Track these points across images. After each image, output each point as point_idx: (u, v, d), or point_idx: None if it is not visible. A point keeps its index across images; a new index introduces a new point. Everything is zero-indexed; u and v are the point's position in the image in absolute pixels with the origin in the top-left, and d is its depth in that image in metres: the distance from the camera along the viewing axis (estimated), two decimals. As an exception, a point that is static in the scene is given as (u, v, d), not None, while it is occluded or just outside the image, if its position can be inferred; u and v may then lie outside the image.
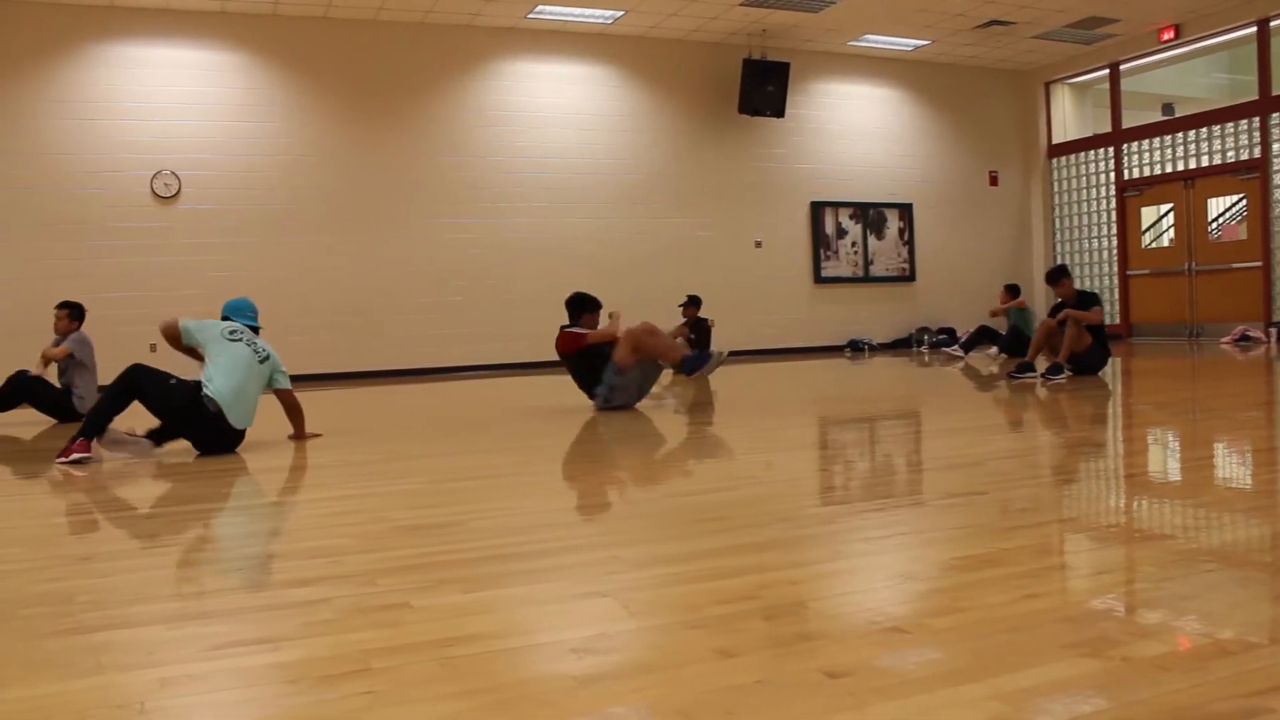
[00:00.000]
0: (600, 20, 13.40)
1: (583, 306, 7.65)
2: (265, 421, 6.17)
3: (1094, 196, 16.25)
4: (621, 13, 13.12)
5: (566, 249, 13.62)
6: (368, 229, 12.96)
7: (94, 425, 5.40)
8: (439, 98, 13.30)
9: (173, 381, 5.52)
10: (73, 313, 8.37)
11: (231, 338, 5.77)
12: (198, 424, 5.50)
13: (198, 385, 5.52)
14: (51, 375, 8.30)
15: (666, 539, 3.06)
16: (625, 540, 3.08)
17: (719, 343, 12.30)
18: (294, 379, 12.41)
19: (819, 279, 15.36)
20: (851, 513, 3.37)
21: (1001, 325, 13.59)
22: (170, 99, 12.24)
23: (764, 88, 14.26)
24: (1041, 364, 9.34)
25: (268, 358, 5.90)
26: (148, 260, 12.03)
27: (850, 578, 2.61)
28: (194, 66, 12.38)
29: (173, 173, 12.22)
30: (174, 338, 5.76)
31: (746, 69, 14.18)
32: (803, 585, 2.51)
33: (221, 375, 5.56)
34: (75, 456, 5.28)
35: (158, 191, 12.16)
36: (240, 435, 5.66)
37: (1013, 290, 13.52)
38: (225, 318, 6.04)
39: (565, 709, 1.74)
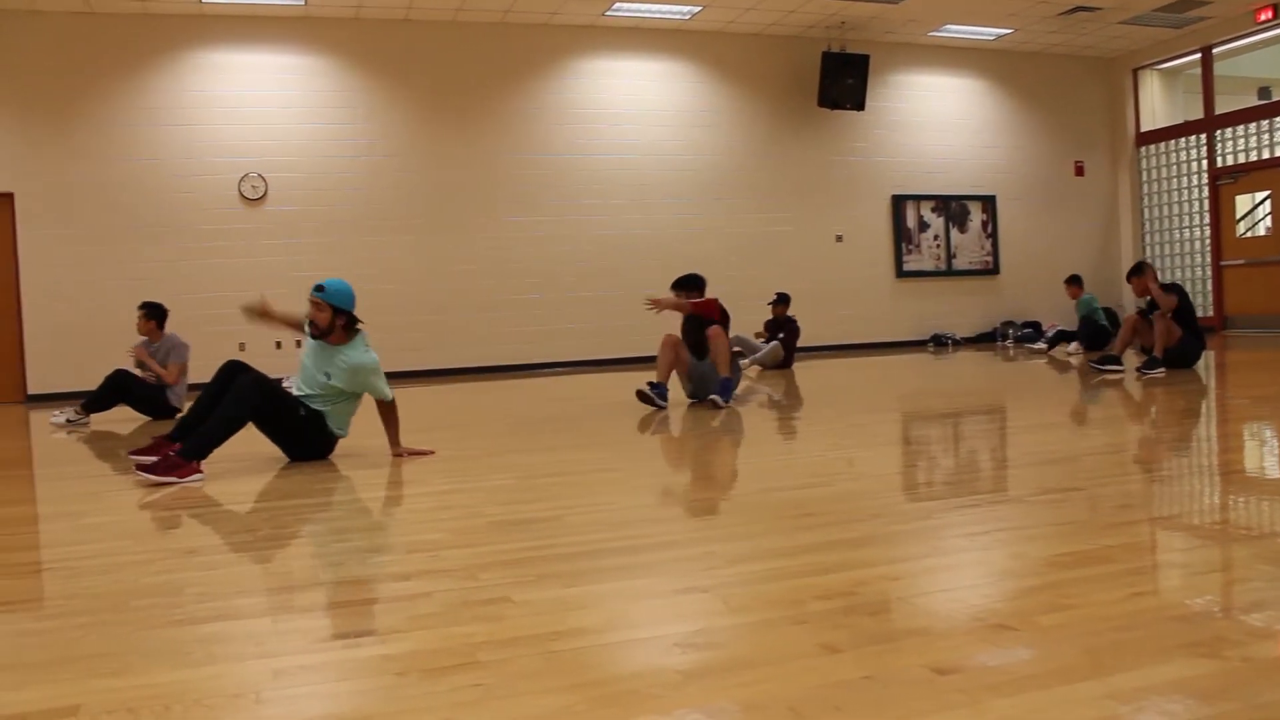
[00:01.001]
0: (678, 16, 13.39)
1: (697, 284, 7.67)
2: (363, 414, 6.26)
3: (1185, 185, 15.82)
4: (699, 8, 13.09)
5: (645, 246, 13.64)
6: (448, 227, 13.11)
7: (201, 448, 4.88)
8: (518, 96, 13.40)
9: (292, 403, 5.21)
10: (150, 313, 8.56)
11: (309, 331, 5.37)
12: (301, 432, 5.23)
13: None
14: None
15: (762, 534, 3.05)
16: (720, 536, 3.07)
17: (801, 337, 12.21)
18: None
19: (900, 273, 15.18)
20: (947, 508, 3.33)
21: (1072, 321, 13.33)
22: (257, 103, 12.50)
23: (843, 80, 14.13)
24: (1132, 359, 9.14)
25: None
26: (236, 261, 12.30)
27: (951, 574, 2.58)
28: (279, 70, 12.63)
29: (260, 175, 12.48)
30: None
31: (826, 62, 14.06)
32: (903, 581, 2.49)
33: (342, 411, 5.35)
34: (195, 478, 4.74)
35: (245, 194, 12.42)
36: (330, 443, 5.38)
37: (1075, 281, 13.22)
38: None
39: (672, 703, 1.75)
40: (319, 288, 5.27)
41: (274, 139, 12.54)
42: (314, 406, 5.24)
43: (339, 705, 1.82)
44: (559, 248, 13.49)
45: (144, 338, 8.59)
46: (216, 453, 4.89)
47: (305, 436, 5.22)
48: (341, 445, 5.56)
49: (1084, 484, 3.64)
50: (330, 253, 12.67)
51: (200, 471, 4.80)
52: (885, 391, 8.43)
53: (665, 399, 7.33)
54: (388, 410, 5.38)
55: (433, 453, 5.28)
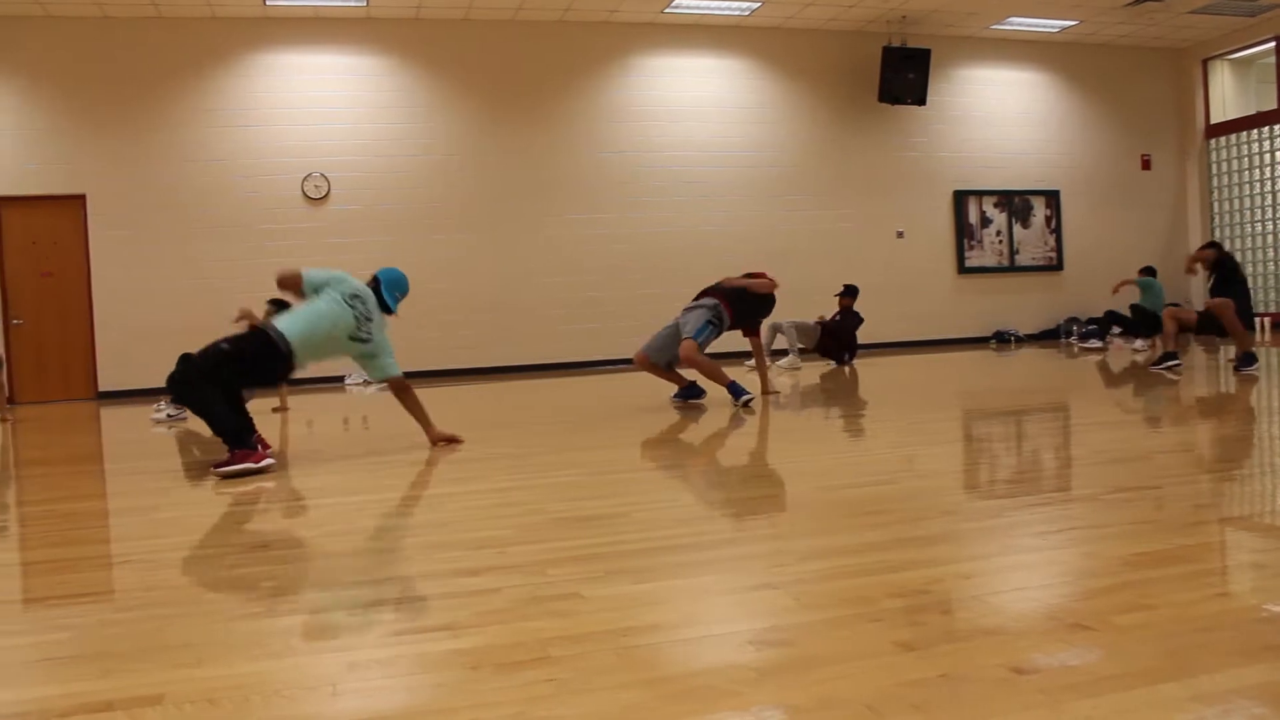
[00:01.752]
0: (737, 12, 13.34)
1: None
2: (428, 410, 6.30)
3: (1257, 178, 15.45)
4: (758, 4, 13.04)
5: (704, 243, 13.61)
6: (508, 225, 13.17)
7: (241, 436, 4.95)
8: (577, 94, 13.44)
9: (225, 346, 5.14)
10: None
11: (350, 303, 5.38)
12: (267, 363, 5.19)
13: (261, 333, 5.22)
14: None
15: (830, 532, 3.03)
16: (789, 533, 3.06)
17: (860, 332, 12.13)
18: (436, 374, 12.75)
19: (962, 269, 15.01)
20: (1017, 507, 3.29)
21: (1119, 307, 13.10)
22: (319, 104, 12.65)
23: (904, 75, 13.99)
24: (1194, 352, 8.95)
25: (368, 340, 5.45)
26: (299, 260, 12.38)
27: (1025, 573, 2.54)
28: (341, 71, 12.77)
29: (322, 175, 12.63)
30: (294, 286, 5.49)
31: (886, 57, 13.94)
32: (977, 580, 2.46)
33: (304, 324, 5.26)
34: (266, 462, 4.89)
35: (308, 193, 12.58)
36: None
37: (1149, 272, 12.90)
38: (375, 280, 5.69)
39: (749, 700, 1.74)
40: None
41: (336, 139, 12.69)
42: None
43: (414, 698, 1.83)
44: (619, 246, 13.50)
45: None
46: (292, 453, 4.96)
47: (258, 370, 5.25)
48: (400, 442, 5.62)
49: (1156, 482, 3.57)
50: (391, 251, 12.78)
51: (269, 457, 4.92)
52: (948, 388, 8.34)
53: (697, 393, 7.46)
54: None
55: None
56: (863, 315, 12.16)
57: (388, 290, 5.64)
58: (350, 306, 5.38)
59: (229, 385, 5.09)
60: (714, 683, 1.83)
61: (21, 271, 12.01)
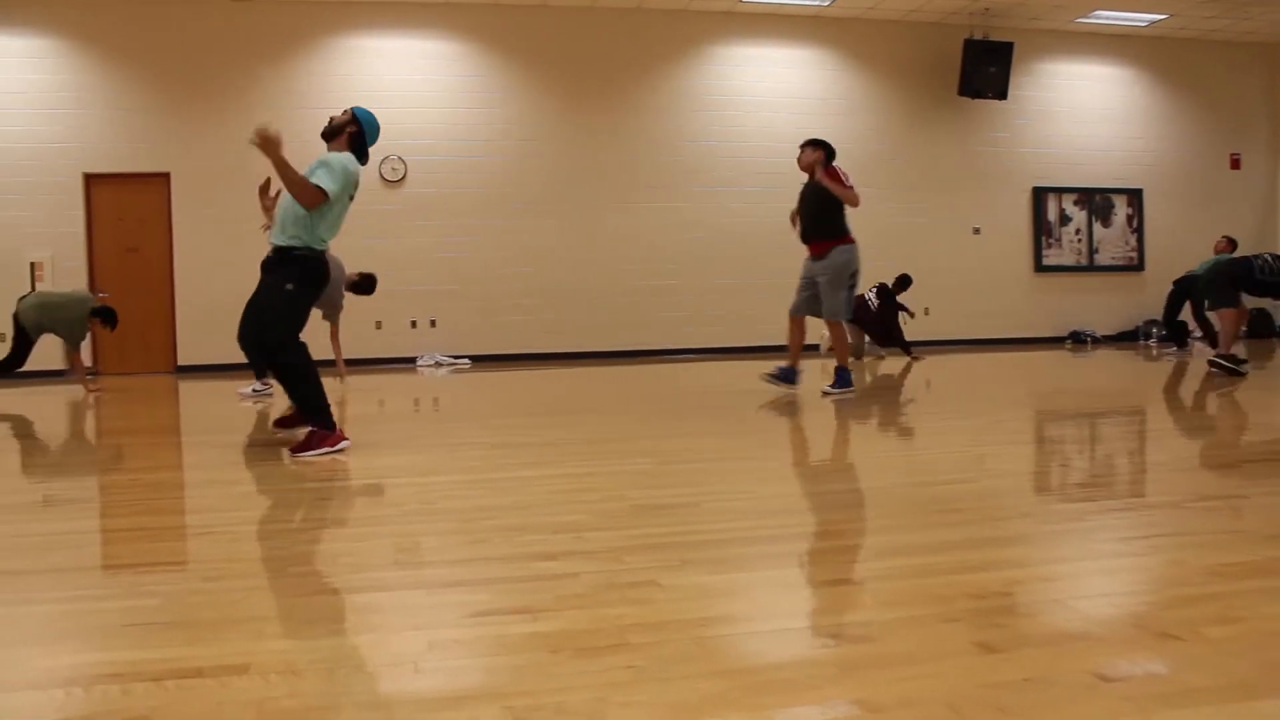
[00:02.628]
0: (816, 2, 13.23)
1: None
2: (490, 395, 6.37)
3: (1350, 180, 15.01)
4: (839, -6, 12.92)
5: (780, 233, 13.48)
6: (583, 212, 13.22)
7: (326, 415, 4.99)
8: (654, 82, 13.42)
9: (290, 288, 4.99)
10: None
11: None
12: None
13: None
14: None
15: (907, 529, 3.00)
16: (864, 529, 3.04)
17: (932, 329, 12.02)
18: (513, 358, 12.85)
19: (1040, 267, 14.76)
20: (1098, 511, 3.23)
21: None
22: (398, 87, 12.78)
23: (986, 69, 13.77)
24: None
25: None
26: (376, 242, 12.60)
27: (1109, 578, 2.50)
28: (420, 55, 12.90)
29: (400, 158, 12.77)
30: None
31: (967, 50, 13.73)
32: (1058, 583, 2.42)
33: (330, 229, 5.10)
34: (341, 445, 4.91)
35: (386, 176, 12.72)
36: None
37: (1232, 243, 12.13)
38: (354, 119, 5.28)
39: (828, 695, 1.73)
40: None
41: (414, 122, 12.81)
42: (289, 226, 5.01)
43: (495, 679, 1.85)
44: (693, 234, 13.48)
45: None
46: (366, 433, 5.03)
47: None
48: (474, 424, 5.68)
49: (1243, 491, 3.48)
50: (467, 234, 12.91)
51: (345, 438, 4.96)
52: (1022, 388, 8.21)
53: (793, 380, 7.41)
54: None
55: None
56: (909, 309, 12.02)
57: (370, 137, 5.29)
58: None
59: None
60: (793, 677, 1.83)
61: (108, 247, 12.32)
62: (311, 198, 4.87)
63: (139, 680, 1.85)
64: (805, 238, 7.53)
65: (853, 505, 3.44)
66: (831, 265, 7.38)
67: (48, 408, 8.23)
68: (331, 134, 5.27)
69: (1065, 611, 2.18)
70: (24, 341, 9.04)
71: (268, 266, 5.14)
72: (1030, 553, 2.72)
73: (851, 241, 7.45)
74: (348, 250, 12.46)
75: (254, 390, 8.49)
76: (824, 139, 7.69)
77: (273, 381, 8.46)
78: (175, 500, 3.91)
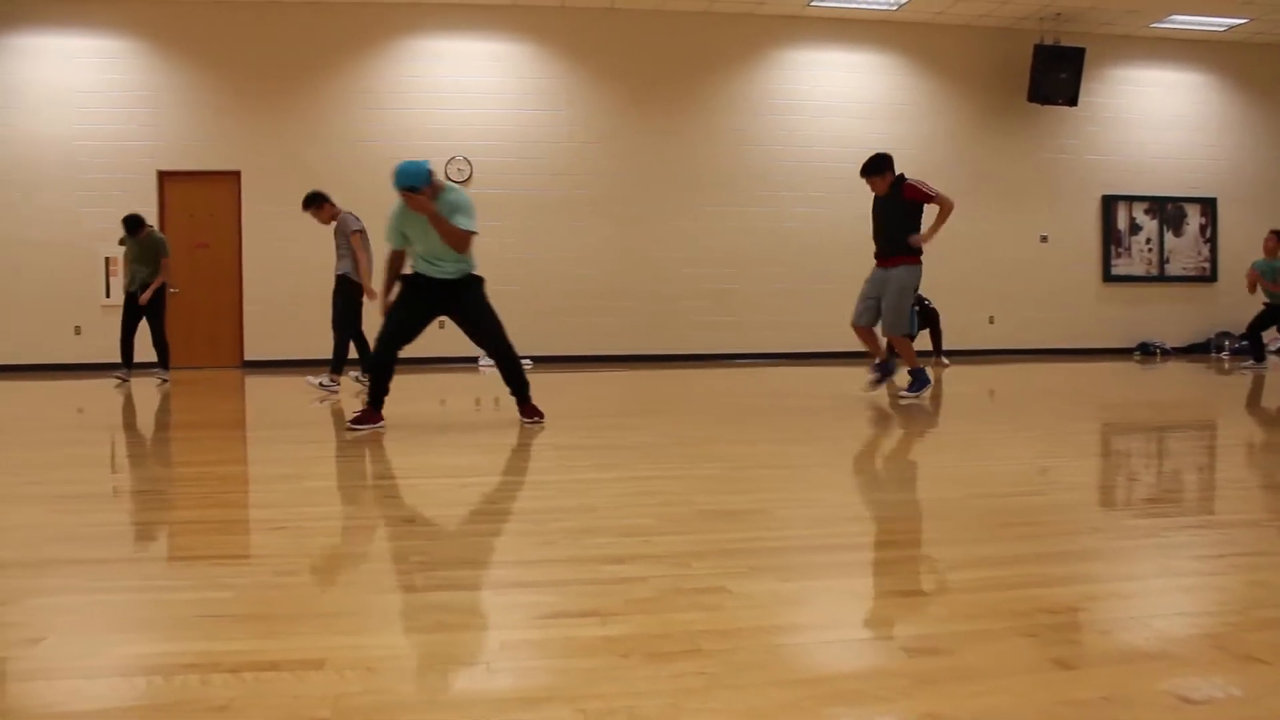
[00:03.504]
0: (884, 7, 13.14)
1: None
2: (551, 397, 6.40)
3: None
4: (907, -1, 12.82)
5: (844, 238, 13.43)
6: (647, 214, 13.24)
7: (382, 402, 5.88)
8: (720, 86, 13.41)
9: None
10: (310, 201, 9.11)
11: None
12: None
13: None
14: None
15: (979, 540, 2.96)
16: (934, 539, 3.00)
17: (997, 338, 11.86)
18: (577, 360, 12.91)
19: (1108, 277, 14.52)
20: (1174, 527, 3.16)
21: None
22: (465, 88, 12.91)
23: (1056, 75, 13.58)
24: None
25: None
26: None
27: (1186, 597, 2.44)
28: (488, 57, 13.01)
29: (465, 158, 12.88)
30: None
31: (1038, 55, 13.55)
32: (1134, 600, 2.37)
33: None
34: (380, 425, 5.79)
35: (451, 176, 12.84)
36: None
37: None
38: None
39: (903, 707, 1.71)
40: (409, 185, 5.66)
41: (480, 123, 12.92)
42: (461, 272, 5.95)
43: (567, 681, 1.85)
44: (757, 239, 13.45)
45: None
46: (429, 432, 5.07)
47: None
48: (545, 426, 5.71)
49: (1327, 510, 3.40)
50: (531, 235, 12.99)
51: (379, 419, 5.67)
52: (1091, 399, 8.08)
53: (888, 371, 7.59)
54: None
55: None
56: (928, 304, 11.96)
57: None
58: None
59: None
60: (867, 688, 1.81)
61: (179, 243, 12.53)
62: (465, 243, 5.84)
63: (216, 671, 1.88)
64: (882, 254, 7.49)
65: (921, 515, 3.40)
66: (899, 281, 7.36)
67: (117, 398, 8.40)
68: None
69: (1142, 630, 2.13)
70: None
71: (456, 292, 5.95)
72: (1104, 568, 2.67)
73: (920, 261, 7.44)
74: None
75: (322, 384, 8.61)
76: (881, 154, 7.60)
77: (341, 380, 8.63)
78: (244, 494, 3.98)
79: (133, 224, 9.78)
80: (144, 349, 9.94)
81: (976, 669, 1.90)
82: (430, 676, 1.89)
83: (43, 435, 5.99)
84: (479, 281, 6.04)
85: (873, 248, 7.66)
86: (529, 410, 5.98)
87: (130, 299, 9.84)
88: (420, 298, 5.91)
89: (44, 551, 2.88)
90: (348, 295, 8.64)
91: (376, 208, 12.57)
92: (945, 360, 12.07)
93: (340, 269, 8.68)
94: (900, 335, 7.56)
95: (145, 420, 7.05)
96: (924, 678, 1.85)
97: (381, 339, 5.87)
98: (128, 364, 9.89)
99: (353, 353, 8.68)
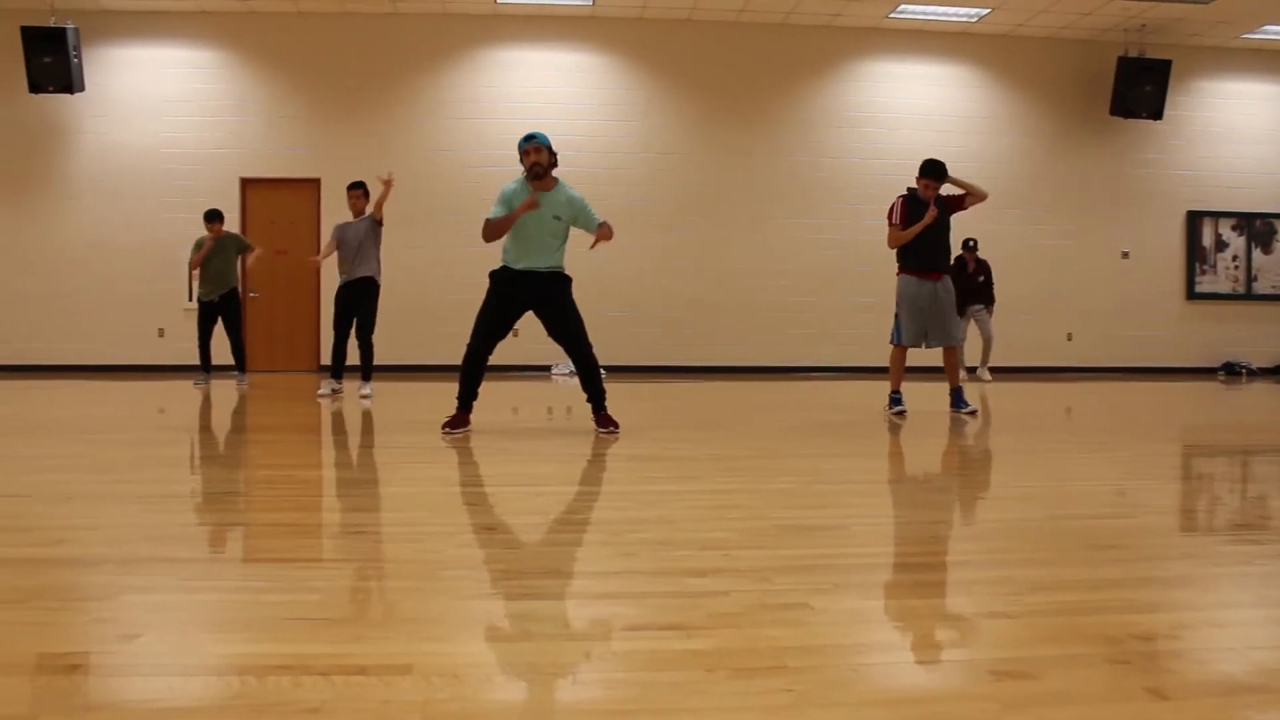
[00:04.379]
0: (964, 19, 12.99)
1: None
2: (626, 407, 6.41)
3: None
4: (988, 10, 12.66)
5: (916, 253, 13.32)
6: (722, 226, 13.23)
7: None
8: (797, 97, 13.36)
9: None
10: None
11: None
12: None
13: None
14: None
15: (1062, 563, 2.90)
16: (1016, 560, 2.95)
17: (1076, 356, 11.64)
18: (652, 370, 12.91)
19: (1192, 294, 14.18)
20: (1271, 555, 3.07)
21: None
22: (542, 98, 13.00)
23: (1140, 87, 13.31)
24: None
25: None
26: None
27: (1285, 627, 2.38)
28: (565, 68, 13.10)
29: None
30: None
31: (1121, 67, 13.30)
32: (1231, 630, 2.31)
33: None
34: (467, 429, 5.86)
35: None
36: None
37: None
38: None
39: (995, 733, 1.69)
40: (531, 136, 6.05)
41: (555, 134, 12.84)
42: (556, 267, 6.03)
43: (653, 695, 1.85)
44: (832, 251, 13.36)
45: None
46: (504, 441, 5.10)
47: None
48: (619, 436, 5.72)
49: None
50: (604, 246, 12.99)
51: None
52: (1174, 420, 7.90)
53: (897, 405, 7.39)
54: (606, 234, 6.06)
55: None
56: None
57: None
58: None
59: None
60: (955, 711, 1.78)
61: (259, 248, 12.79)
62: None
63: (307, 674, 1.91)
64: (934, 266, 7.39)
65: (1003, 535, 3.35)
66: (950, 292, 7.40)
67: (197, 400, 8.58)
68: (545, 170, 6.06)
69: (1240, 661, 2.08)
70: None
71: (548, 287, 6.01)
72: (1198, 596, 2.61)
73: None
74: (492, 257, 12.72)
75: (334, 390, 8.87)
76: (933, 159, 7.44)
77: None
78: (326, 498, 4.04)
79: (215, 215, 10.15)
80: (223, 352, 10.16)
81: (1066, 694, 1.86)
82: (516, 686, 1.90)
83: (129, 435, 6.13)
84: (568, 280, 6.08)
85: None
86: (604, 420, 5.97)
87: (206, 306, 10.10)
88: (511, 292, 5.97)
89: (136, 549, 2.95)
90: (376, 298, 8.89)
91: (453, 215, 12.81)
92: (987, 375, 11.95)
93: (369, 270, 8.84)
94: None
95: (225, 422, 7.19)
96: (1012, 702, 1.81)
97: (478, 338, 5.93)
98: (206, 368, 10.12)
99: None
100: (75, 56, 11.97)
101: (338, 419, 7.26)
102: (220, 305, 10.10)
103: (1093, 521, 3.55)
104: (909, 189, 7.58)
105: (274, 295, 12.76)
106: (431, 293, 12.54)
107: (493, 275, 6.05)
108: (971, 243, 11.96)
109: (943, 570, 2.82)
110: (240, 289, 10.32)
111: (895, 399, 7.37)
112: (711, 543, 3.04)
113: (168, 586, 2.56)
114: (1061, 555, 3.01)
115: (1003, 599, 2.50)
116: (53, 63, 11.86)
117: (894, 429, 6.59)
